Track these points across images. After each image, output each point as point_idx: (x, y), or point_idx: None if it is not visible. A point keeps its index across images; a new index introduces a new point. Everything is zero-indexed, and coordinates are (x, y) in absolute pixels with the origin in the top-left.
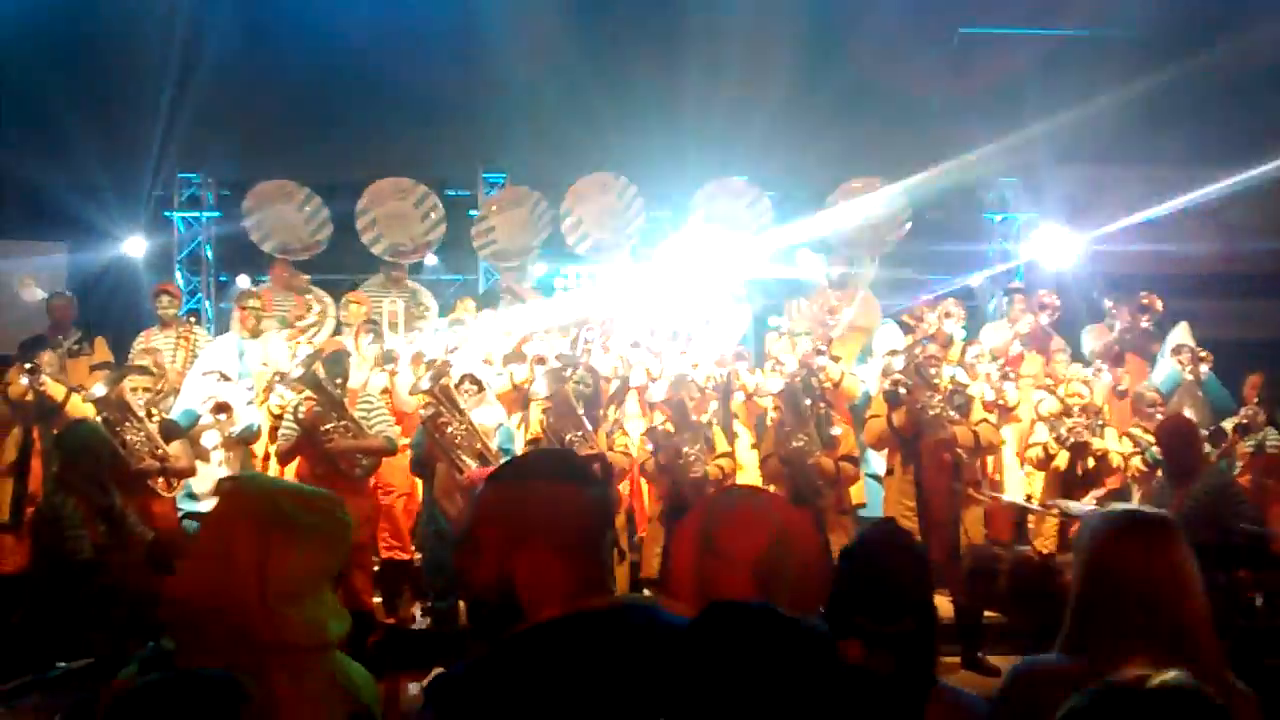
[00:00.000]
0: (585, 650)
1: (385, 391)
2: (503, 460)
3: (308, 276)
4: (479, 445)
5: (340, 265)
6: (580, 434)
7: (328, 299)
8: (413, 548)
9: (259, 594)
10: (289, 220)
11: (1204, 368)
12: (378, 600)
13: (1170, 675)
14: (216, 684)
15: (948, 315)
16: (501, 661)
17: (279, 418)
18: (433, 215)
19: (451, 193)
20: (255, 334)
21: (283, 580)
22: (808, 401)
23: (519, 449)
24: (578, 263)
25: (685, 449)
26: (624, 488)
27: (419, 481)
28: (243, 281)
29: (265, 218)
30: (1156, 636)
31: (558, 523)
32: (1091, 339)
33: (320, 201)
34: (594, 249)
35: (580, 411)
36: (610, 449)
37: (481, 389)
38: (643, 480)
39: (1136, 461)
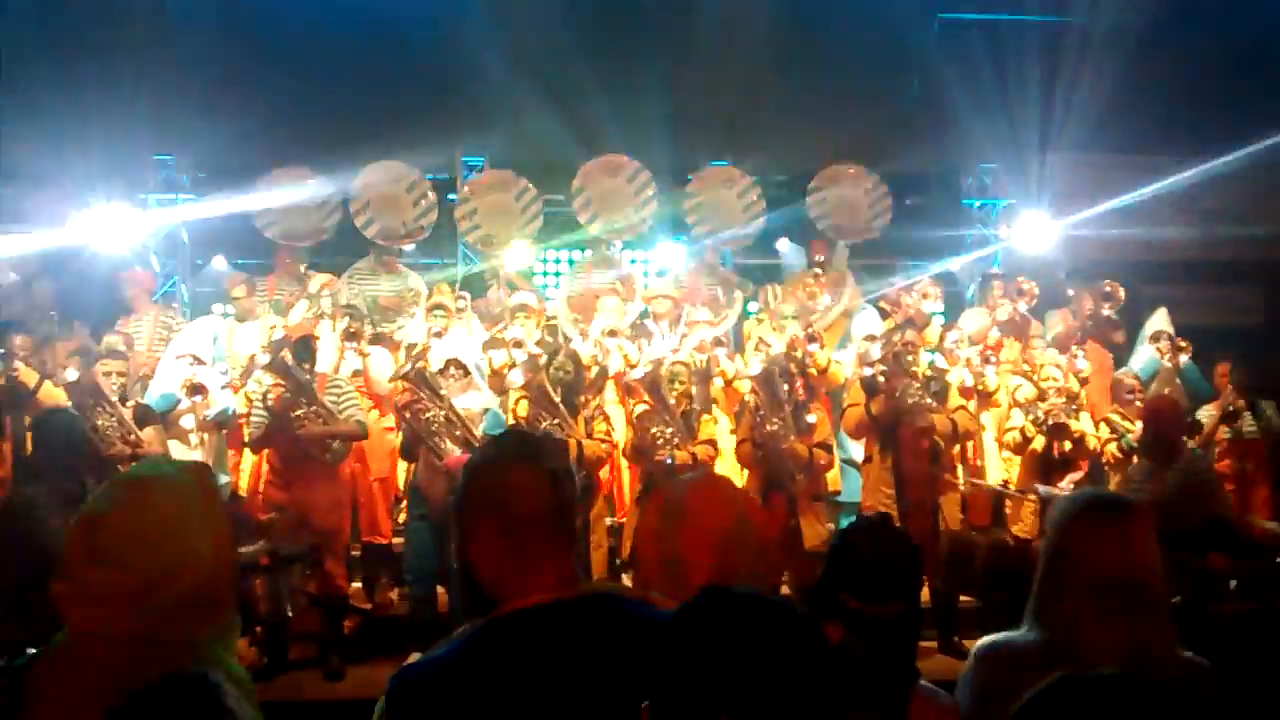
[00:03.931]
0: (548, 644)
1: (357, 374)
2: None
3: (307, 263)
4: (460, 430)
5: (321, 249)
6: (555, 421)
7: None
8: (391, 532)
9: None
10: (300, 207)
11: (1183, 357)
12: (357, 585)
13: (1109, 669)
14: (197, 686)
15: (925, 296)
16: (460, 656)
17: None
18: (425, 201)
19: (429, 176)
20: (243, 320)
21: None
22: (784, 387)
23: None
24: (557, 248)
25: (654, 430)
26: (603, 475)
27: (399, 466)
28: (219, 263)
29: (276, 204)
30: (1113, 613)
31: (501, 502)
32: (1054, 324)
33: (335, 189)
34: (606, 229)
35: (558, 398)
36: (589, 436)
37: (467, 373)
38: (624, 465)
39: (1112, 448)
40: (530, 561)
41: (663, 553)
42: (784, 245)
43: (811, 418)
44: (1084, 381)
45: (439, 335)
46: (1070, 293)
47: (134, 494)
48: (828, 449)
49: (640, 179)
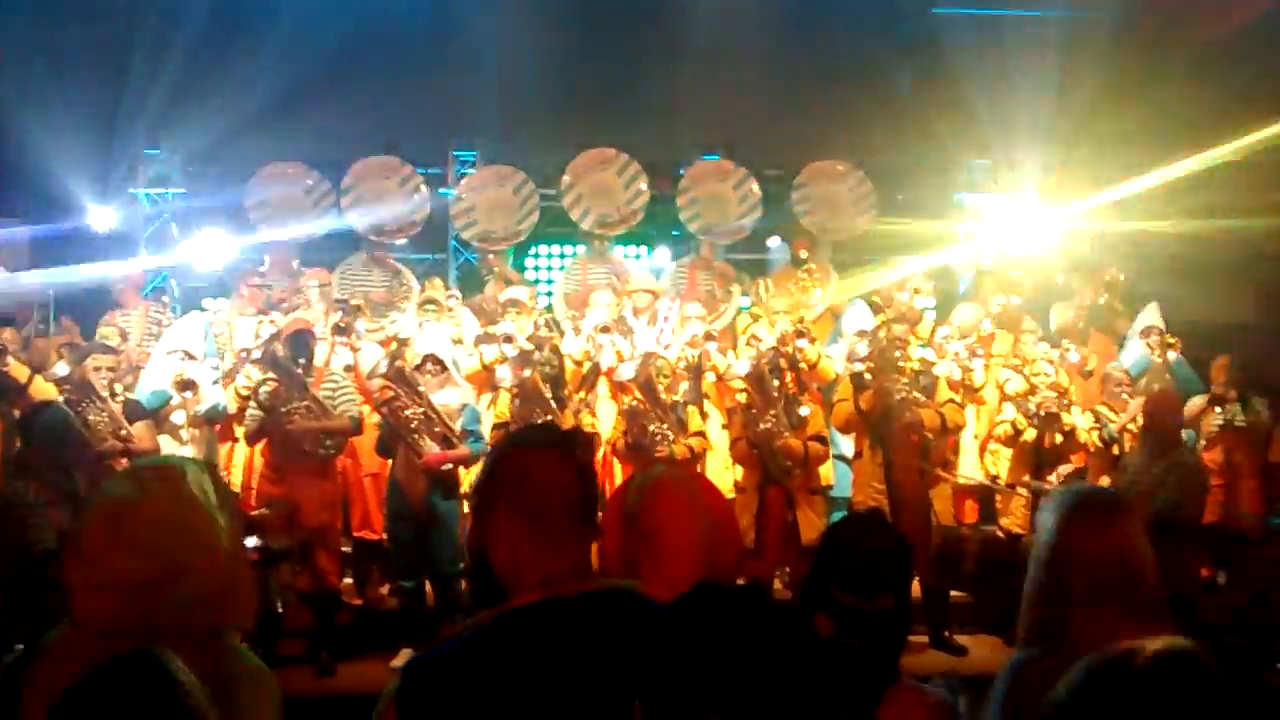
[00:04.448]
0: (560, 637)
1: (349, 369)
2: (468, 441)
3: (299, 258)
4: (439, 427)
5: (314, 243)
6: (548, 417)
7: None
8: (382, 528)
9: None
10: (295, 203)
11: (1172, 353)
12: (349, 581)
13: (1162, 642)
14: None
15: (917, 291)
16: (476, 646)
17: (246, 399)
18: (417, 195)
19: (421, 170)
20: (262, 311)
21: None
22: (775, 383)
23: (487, 430)
24: (549, 243)
25: (652, 427)
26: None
27: (389, 461)
28: (207, 237)
29: (269, 199)
30: (1108, 608)
31: (528, 490)
32: (1058, 316)
33: (329, 184)
34: (597, 223)
35: (547, 394)
36: None
37: (445, 369)
38: (615, 460)
39: (1094, 436)
40: (550, 551)
41: (627, 563)
42: (774, 242)
43: (804, 410)
44: (1089, 374)
45: (422, 329)
46: (1060, 279)
47: (161, 482)
48: (822, 441)
49: (630, 171)
